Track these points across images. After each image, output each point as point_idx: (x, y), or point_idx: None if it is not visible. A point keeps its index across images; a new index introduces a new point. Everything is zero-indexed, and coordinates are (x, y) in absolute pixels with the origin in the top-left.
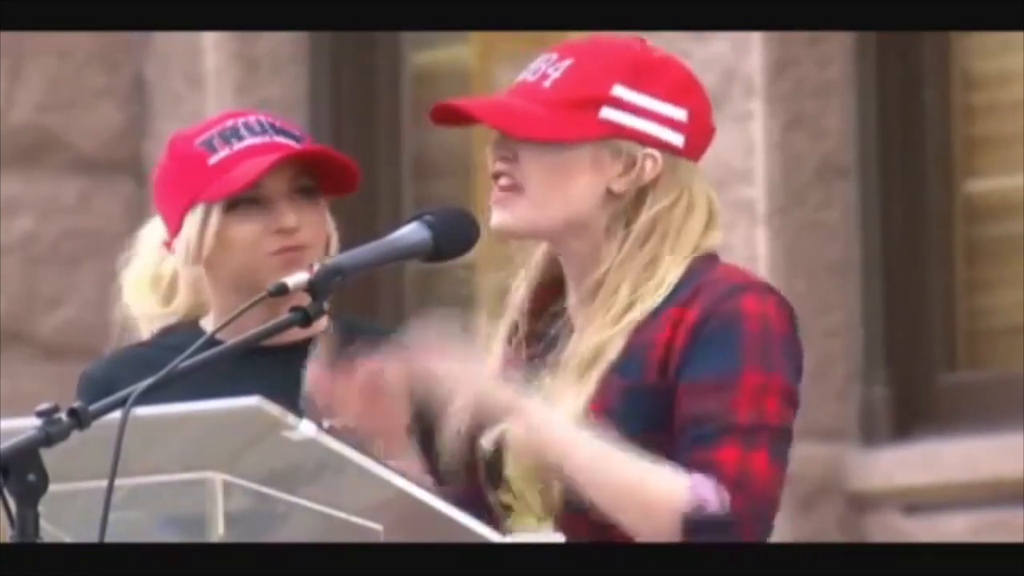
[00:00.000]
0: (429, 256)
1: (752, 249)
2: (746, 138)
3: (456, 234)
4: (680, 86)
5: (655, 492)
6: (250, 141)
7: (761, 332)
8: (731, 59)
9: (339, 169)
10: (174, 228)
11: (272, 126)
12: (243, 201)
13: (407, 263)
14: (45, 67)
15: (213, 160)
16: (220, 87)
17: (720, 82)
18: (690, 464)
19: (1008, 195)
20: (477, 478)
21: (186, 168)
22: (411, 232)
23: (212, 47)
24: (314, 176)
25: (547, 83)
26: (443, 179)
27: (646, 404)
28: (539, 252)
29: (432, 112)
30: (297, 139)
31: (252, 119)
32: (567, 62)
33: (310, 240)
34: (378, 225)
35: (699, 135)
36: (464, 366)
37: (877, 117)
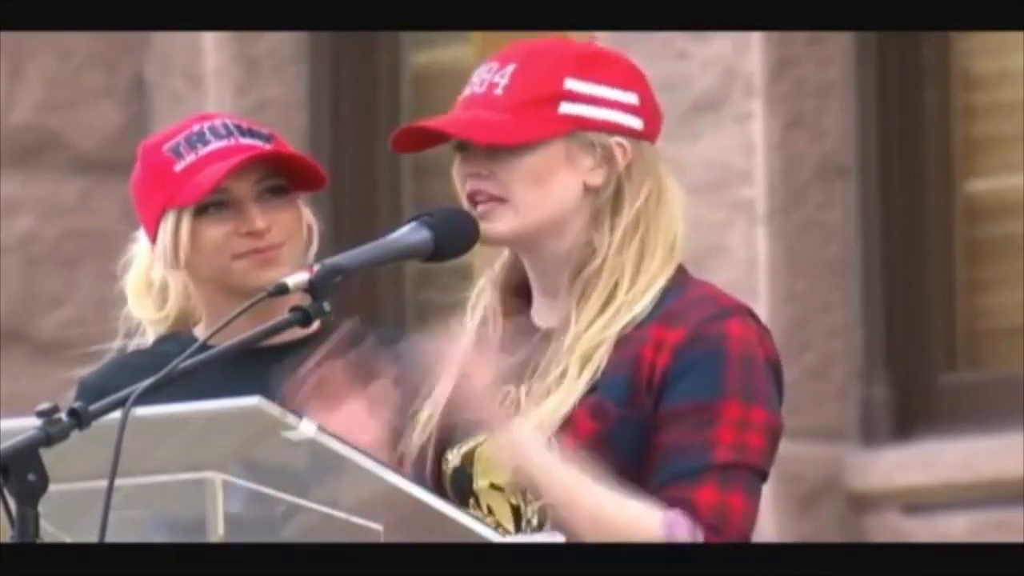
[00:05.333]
0: (429, 256)
1: (752, 249)
2: (746, 138)
3: (456, 234)
4: (625, 72)
5: (628, 522)
6: (215, 145)
7: (744, 360)
8: (731, 59)
9: (304, 168)
10: (152, 236)
11: (239, 128)
12: (213, 205)
13: (407, 263)
14: (45, 67)
15: (179, 166)
16: (220, 87)
17: (720, 82)
18: (667, 499)
19: (1008, 195)
20: (442, 489)
21: (155, 176)
22: (411, 232)
23: (212, 47)
24: (284, 175)
25: (498, 91)
26: (443, 179)
27: (638, 432)
28: (502, 258)
29: (393, 141)
30: (266, 139)
31: (218, 123)
32: (511, 67)
33: (282, 239)
34: (378, 225)
35: (653, 118)
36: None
37: (877, 117)
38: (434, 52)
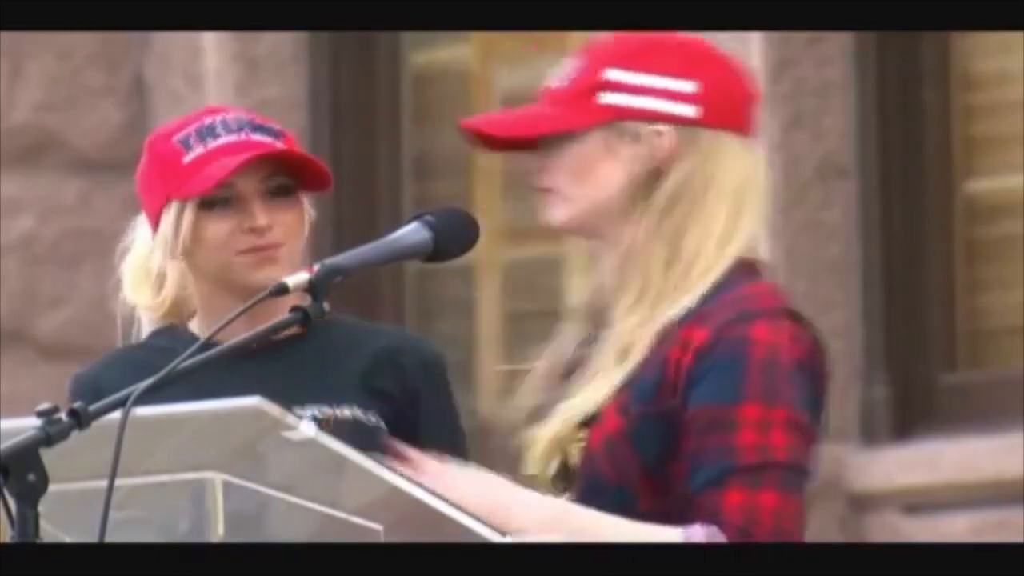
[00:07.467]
0: (429, 256)
1: None
2: None
3: (456, 234)
4: (683, 61)
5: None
6: (225, 139)
7: (767, 362)
8: None
9: (311, 169)
10: (153, 225)
11: (250, 123)
12: (218, 200)
13: (407, 263)
14: (45, 67)
15: (188, 158)
16: (220, 87)
17: None
18: (698, 506)
19: (1008, 195)
20: None
21: (162, 165)
22: (411, 232)
23: (212, 47)
24: (291, 174)
25: (554, 85)
26: (443, 179)
27: (659, 430)
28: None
29: (476, 139)
30: (276, 135)
31: (230, 116)
32: (571, 62)
33: (283, 238)
34: (378, 225)
35: (717, 104)
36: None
37: (877, 117)
38: (434, 52)
